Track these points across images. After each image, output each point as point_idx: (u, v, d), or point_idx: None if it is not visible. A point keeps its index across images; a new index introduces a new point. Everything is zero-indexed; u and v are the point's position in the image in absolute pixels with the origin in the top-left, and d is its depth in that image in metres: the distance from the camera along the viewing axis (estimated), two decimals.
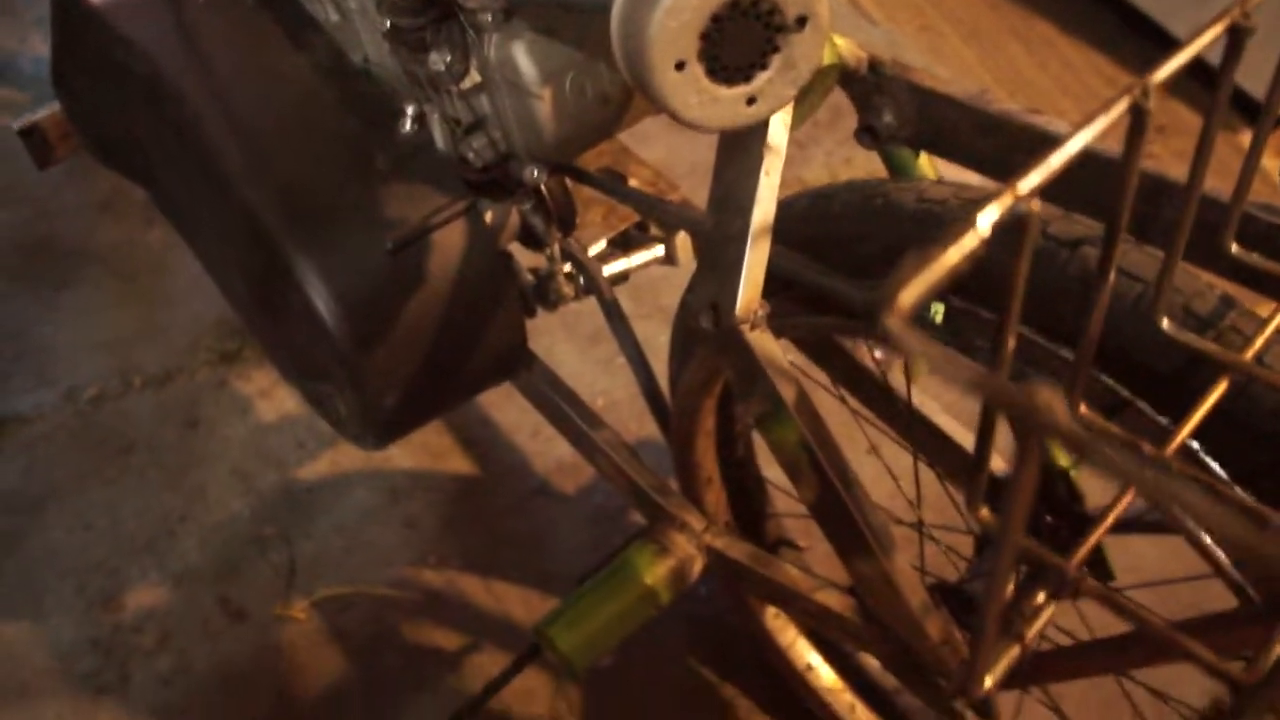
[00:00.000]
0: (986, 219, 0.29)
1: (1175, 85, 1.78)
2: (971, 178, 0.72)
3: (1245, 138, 1.82)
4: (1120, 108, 0.33)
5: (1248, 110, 1.72)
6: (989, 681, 0.37)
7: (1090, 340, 0.41)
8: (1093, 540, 0.41)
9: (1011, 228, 0.31)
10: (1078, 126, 0.32)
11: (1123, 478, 0.24)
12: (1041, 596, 0.40)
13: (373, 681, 1.24)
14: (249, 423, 1.44)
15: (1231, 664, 0.33)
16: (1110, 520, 0.42)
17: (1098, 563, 0.81)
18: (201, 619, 1.28)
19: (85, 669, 1.24)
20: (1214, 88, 0.37)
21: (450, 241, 0.78)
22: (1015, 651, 0.39)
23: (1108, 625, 0.68)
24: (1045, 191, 0.62)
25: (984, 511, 0.41)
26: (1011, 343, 0.31)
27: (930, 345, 0.25)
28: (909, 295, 0.27)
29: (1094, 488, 0.79)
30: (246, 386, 1.48)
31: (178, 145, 0.83)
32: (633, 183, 0.97)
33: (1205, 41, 0.35)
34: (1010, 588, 0.67)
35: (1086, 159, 0.60)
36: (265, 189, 0.76)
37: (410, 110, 0.79)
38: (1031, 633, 0.39)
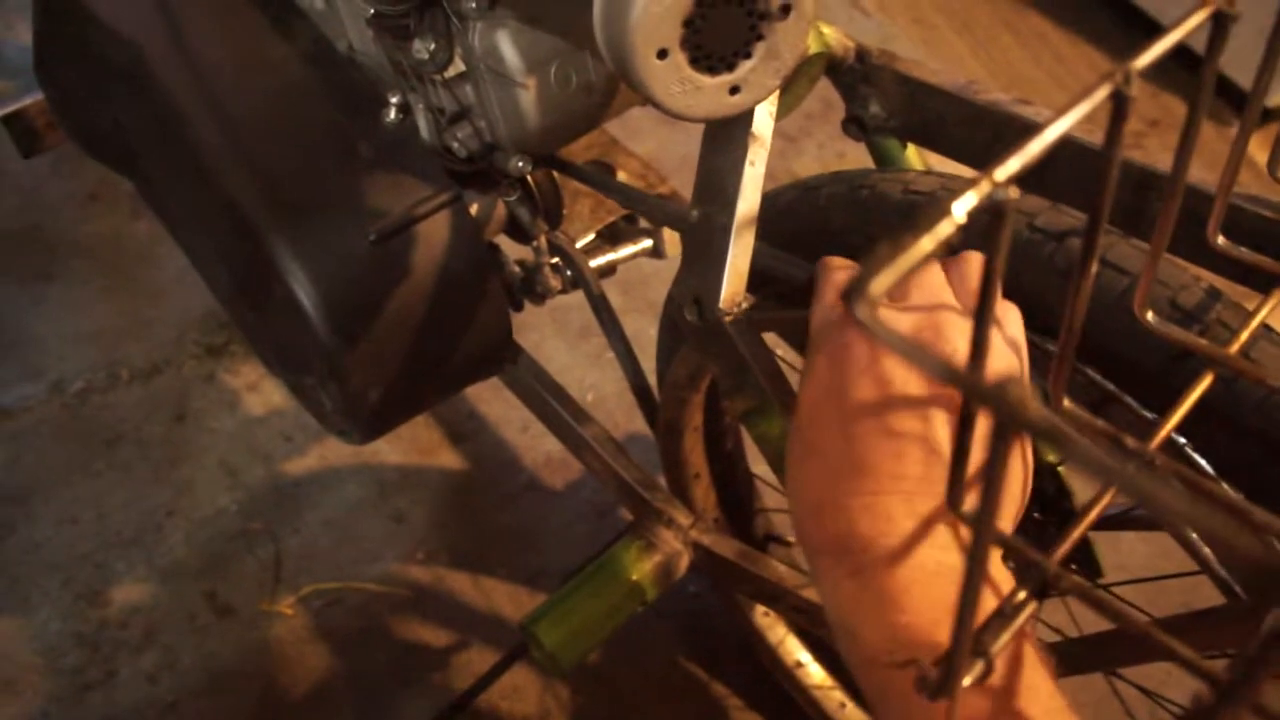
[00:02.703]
0: (962, 206, 0.28)
1: (1170, 79, 1.77)
2: (965, 171, 0.71)
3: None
4: (1101, 94, 0.32)
5: (1240, 104, 1.72)
6: (968, 680, 0.37)
7: (1072, 333, 0.40)
8: (1074, 536, 0.41)
9: (991, 217, 0.30)
10: (1058, 113, 0.31)
11: (1097, 472, 0.23)
12: (1022, 594, 0.39)
13: (360, 677, 1.23)
14: (236, 416, 1.43)
15: (1213, 662, 0.33)
16: (1092, 517, 0.41)
17: (1086, 560, 0.80)
18: (188, 614, 1.27)
19: (71, 664, 1.23)
20: (1198, 76, 0.37)
21: (435, 233, 0.77)
22: (998, 648, 0.38)
23: (1098, 623, 0.68)
24: (1034, 184, 0.61)
25: (965, 507, 0.40)
26: (990, 334, 0.30)
27: (897, 333, 0.24)
28: (880, 284, 0.26)
29: (1084, 484, 0.78)
30: (234, 380, 1.47)
31: (161, 134, 0.82)
32: (621, 175, 0.96)
33: (1188, 28, 0.35)
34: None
35: (1073, 150, 0.60)
36: (248, 178, 0.76)
37: (395, 100, 0.78)
38: (1011, 630, 0.38)
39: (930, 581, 0.40)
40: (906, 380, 0.43)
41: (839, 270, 0.51)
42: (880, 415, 0.42)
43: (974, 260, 0.49)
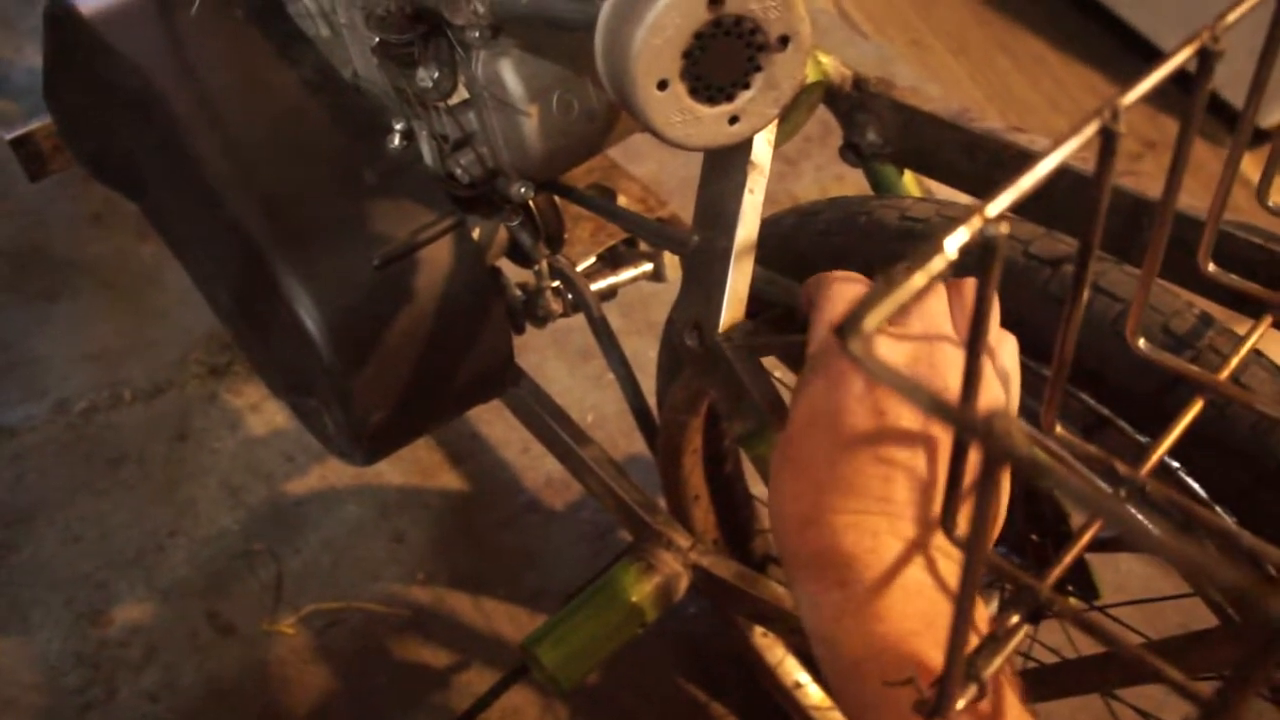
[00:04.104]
0: (954, 242, 0.29)
1: (1167, 101, 1.78)
2: (961, 197, 0.72)
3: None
4: (1090, 130, 0.33)
5: (1234, 124, 1.73)
6: (961, 702, 0.37)
7: (1064, 359, 0.41)
8: (1066, 561, 0.41)
9: (982, 251, 0.31)
10: (1048, 149, 0.32)
11: (1080, 501, 0.24)
12: (1016, 617, 0.40)
13: (360, 698, 1.23)
14: (239, 437, 1.44)
15: (1203, 684, 0.33)
16: (1084, 542, 0.42)
17: (1084, 582, 0.81)
18: (189, 634, 1.28)
19: (72, 683, 1.24)
20: (1185, 109, 0.37)
21: (437, 258, 0.78)
22: (990, 671, 0.39)
23: (1095, 646, 0.68)
24: (1028, 210, 0.62)
25: (959, 531, 0.41)
26: (981, 365, 0.31)
27: (891, 369, 0.25)
28: (873, 319, 0.27)
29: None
30: (236, 400, 1.47)
31: (167, 159, 0.83)
32: (622, 199, 0.97)
33: (1175, 64, 0.36)
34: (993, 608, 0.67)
35: (1068, 178, 0.61)
36: (252, 203, 0.76)
37: (398, 126, 0.79)
38: (1004, 653, 0.39)
39: (909, 599, 0.42)
40: (900, 411, 0.44)
41: (837, 300, 0.51)
42: (872, 442, 0.43)
43: (974, 287, 0.50)
